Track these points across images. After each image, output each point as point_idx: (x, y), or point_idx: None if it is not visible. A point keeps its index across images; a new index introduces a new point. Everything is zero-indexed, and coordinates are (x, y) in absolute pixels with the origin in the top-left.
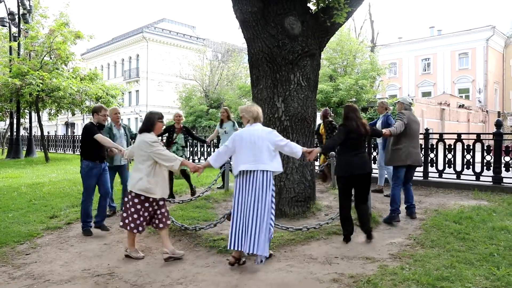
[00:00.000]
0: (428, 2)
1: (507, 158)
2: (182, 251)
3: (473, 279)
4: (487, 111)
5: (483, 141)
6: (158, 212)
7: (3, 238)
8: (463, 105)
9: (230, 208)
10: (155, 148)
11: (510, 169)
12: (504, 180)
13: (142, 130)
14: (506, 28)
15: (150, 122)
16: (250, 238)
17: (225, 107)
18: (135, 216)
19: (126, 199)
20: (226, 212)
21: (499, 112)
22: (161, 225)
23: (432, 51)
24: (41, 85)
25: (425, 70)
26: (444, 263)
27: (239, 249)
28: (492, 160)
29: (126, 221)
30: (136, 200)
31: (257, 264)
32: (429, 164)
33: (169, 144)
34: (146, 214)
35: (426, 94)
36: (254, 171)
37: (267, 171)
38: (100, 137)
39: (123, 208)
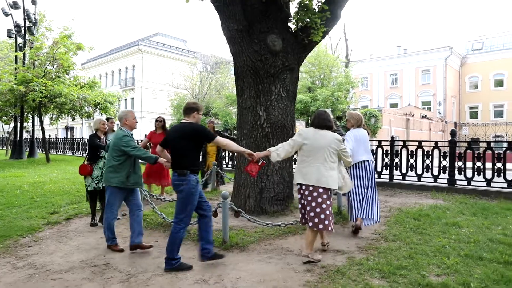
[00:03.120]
0: (395, 22)
1: (460, 163)
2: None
3: (427, 268)
4: (445, 122)
5: (440, 148)
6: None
7: (7, 232)
8: (426, 116)
9: (215, 207)
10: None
11: (462, 172)
12: (457, 182)
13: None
14: (462, 49)
15: None
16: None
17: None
18: (328, 212)
19: (317, 197)
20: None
21: (455, 123)
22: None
23: (399, 67)
24: (44, 91)
25: (393, 84)
26: (403, 254)
27: (362, 217)
28: (447, 165)
29: (327, 221)
30: (326, 196)
31: (373, 224)
32: (394, 168)
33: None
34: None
35: (394, 106)
36: (368, 160)
37: (372, 160)
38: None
39: (315, 207)
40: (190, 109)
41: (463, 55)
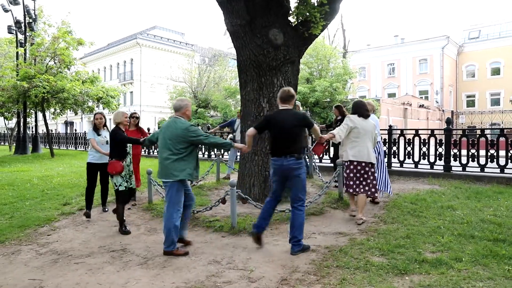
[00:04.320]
0: (393, 12)
1: (455, 150)
2: None
3: (423, 246)
4: (443, 110)
5: (436, 136)
6: None
7: (24, 222)
8: (423, 105)
9: (223, 194)
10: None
11: (457, 159)
12: (453, 168)
13: None
14: (459, 37)
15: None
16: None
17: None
18: (375, 182)
19: (369, 171)
20: (220, 197)
21: (452, 111)
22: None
23: (396, 57)
24: (47, 87)
25: (390, 74)
26: (401, 235)
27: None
28: (443, 152)
29: (374, 189)
30: (373, 170)
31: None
32: (392, 156)
33: None
34: None
35: (391, 95)
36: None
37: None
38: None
39: (371, 180)
40: (292, 96)
41: (460, 44)
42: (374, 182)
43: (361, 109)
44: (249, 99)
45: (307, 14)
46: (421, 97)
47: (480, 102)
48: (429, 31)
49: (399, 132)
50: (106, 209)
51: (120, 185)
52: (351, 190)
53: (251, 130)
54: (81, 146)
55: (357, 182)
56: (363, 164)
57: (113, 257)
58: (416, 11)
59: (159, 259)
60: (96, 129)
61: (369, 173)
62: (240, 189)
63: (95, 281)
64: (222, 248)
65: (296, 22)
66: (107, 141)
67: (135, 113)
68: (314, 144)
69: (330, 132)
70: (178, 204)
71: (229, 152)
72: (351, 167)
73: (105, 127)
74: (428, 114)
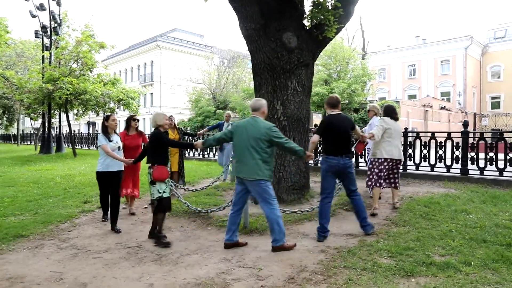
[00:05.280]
0: (414, 12)
1: (472, 153)
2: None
3: (432, 249)
4: (466, 112)
5: (453, 138)
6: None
7: (48, 218)
8: (444, 107)
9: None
10: None
11: (475, 162)
12: (470, 172)
13: None
14: (484, 37)
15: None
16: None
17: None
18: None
19: (399, 167)
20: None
21: (474, 114)
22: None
23: (417, 58)
24: (70, 89)
25: (411, 75)
26: (411, 237)
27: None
28: (460, 155)
29: (398, 183)
30: (401, 165)
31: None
32: (408, 158)
33: None
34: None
35: (412, 97)
36: None
37: None
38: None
39: (396, 173)
40: (339, 102)
41: (485, 44)
42: (398, 177)
43: (392, 113)
44: None
45: (321, 17)
46: (443, 99)
47: (506, 104)
48: (451, 32)
49: (415, 134)
50: (119, 230)
51: (164, 191)
52: (378, 185)
53: (315, 137)
54: None
55: (387, 177)
56: (395, 160)
57: (129, 253)
58: (438, 12)
59: (172, 256)
60: (107, 133)
61: (398, 169)
62: None
63: (111, 275)
64: (233, 247)
65: (310, 25)
66: (119, 147)
67: (135, 116)
68: (356, 143)
69: (370, 132)
70: (270, 197)
71: (221, 154)
72: (385, 163)
73: (114, 132)
74: (450, 116)
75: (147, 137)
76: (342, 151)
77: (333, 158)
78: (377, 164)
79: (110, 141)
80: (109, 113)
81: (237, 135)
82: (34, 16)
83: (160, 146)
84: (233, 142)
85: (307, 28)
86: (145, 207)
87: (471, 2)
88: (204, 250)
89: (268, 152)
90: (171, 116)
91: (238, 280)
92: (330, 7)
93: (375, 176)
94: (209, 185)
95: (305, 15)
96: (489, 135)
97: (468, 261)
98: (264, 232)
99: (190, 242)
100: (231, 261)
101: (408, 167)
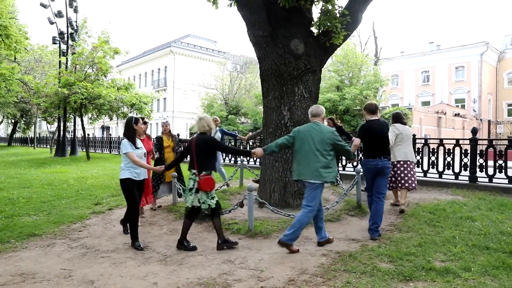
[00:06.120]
0: (428, 18)
1: (481, 160)
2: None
3: (433, 255)
4: (481, 120)
5: (462, 146)
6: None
7: (60, 219)
8: (459, 113)
9: (242, 199)
10: None
11: (484, 169)
12: (479, 179)
13: None
14: (500, 43)
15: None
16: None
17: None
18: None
19: (412, 169)
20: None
21: (489, 121)
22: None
23: (431, 64)
24: (85, 93)
25: (424, 82)
26: (413, 243)
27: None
28: (468, 162)
29: (414, 184)
30: (413, 167)
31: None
32: (416, 165)
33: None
34: None
35: (425, 104)
36: None
37: None
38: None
39: (412, 174)
40: (377, 108)
41: (501, 50)
42: (413, 178)
43: (401, 119)
44: (270, 107)
45: (329, 24)
46: (457, 106)
47: None
48: (466, 38)
49: (423, 141)
50: (141, 246)
51: (203, 202)
52: (394, 186)
53: (357, 140)
54: (115, 150)
55: (403, 178)
56: (408, 162)
57: (135, 253)
58: (453, 18)
59: (177, 257)
60: (133, 139)
61: (412, 171)
62: (260, 195)
63: (118, 274)
64: (237, 249)
65: (318, 32)
66: (144, 153)
67: (145, 118)
68: None
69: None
70: (317, 204)
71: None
72: (398, 165)
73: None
74: (464, 123)
75: (152, 142)
76: (380, 152)
77: (372, 161)
78: (392, 166)
79: (137, 148)
80: (138, 116)
81: (300, 140)
82: (52, 23)
83: (212, 153)
84: (295, 146)
85: (315, 35)
86: (154, 209)
87: (487, 8)
88: (210, 252)
89: (332, 155)
90: (167, 121)
91: (239, 280)
92: (338, 15)
93: (392, 179)
94: (217, 189)
95: (312, 22)
96: (499, 142)
97: (468, 267)
98: (268, 236)
99: (195, 243)
100: (234, 262)
101: (416, 174)
